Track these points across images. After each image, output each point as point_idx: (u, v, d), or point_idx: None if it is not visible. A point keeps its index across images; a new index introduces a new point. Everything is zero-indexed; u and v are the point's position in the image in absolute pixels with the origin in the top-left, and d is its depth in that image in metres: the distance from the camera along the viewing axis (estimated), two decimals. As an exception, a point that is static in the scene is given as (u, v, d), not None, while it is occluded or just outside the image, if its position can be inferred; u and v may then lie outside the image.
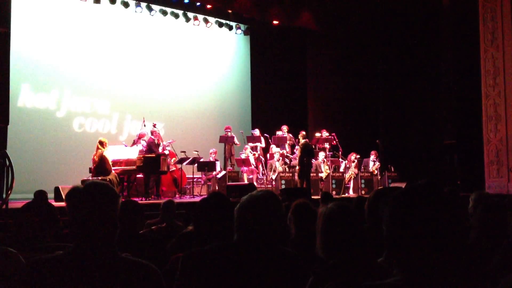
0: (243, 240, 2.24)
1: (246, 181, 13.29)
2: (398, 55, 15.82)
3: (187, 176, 13.23)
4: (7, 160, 8.58)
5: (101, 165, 10.71)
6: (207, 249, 2.25)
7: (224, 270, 2.18)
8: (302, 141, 12.68)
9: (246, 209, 2.27)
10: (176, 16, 15.40)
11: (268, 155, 14.46)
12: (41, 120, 13.16)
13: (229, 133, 14.13)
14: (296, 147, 13.69)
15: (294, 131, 14.29)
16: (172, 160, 12.82)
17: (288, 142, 14.57)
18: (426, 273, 1.51)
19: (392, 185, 13.57)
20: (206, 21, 15.95)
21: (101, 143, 10.86)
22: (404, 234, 1.54)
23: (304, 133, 12.99)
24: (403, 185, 11.63)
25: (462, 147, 13.72)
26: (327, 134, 14.84)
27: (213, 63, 16.69)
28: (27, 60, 12.92)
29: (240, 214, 2.28)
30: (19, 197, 9.75)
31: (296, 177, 12.72)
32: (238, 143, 14.23)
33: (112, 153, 11.12)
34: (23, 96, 12.93)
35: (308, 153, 12.58)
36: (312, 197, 10.42)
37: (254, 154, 14.05)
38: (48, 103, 13.38)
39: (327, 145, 14.84)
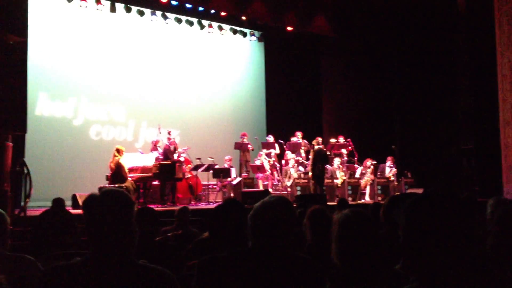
0: (258, 247, 2.24)
1: (261, 188, 13.28)
2: (413, 60, 15.73)
3: (202, 183, 13.26)
4: (25, 168, 8.69)
5: (117, 173, 10.81)
6: (222, 255, 2.26)
7: (240, 276, 2.18)
8: (316, 147, 12.68)
9: (259, 215, 2.27)
10: (191, 24, 15.50)
11: (283, 161, 14.45)
12: (59, 128, 13.29)
13: (244, 140, 14.15)
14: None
15: (309, 137, 14.26)
16: (188, 167, 12.87)
17: (303, 148, 14.55)
18: (444, 279, 1.50)
19: (409, 191, 13.44)
20: (220, 28, 16.03)
21: (117, 150, 10.96)
22: (420, 241, 1.53)
23: (319, 139, 12.97)
24: (420, 191, 11.52)
25: (480, 152, 13.58)
26: (343, 140, 14.79)
27: (228, 70, 16.75)
28: (44, 69, 13.07)
29: (253, 221, 2.28)
30: (37, 205, 9.86)
31: (311, 183, 12.70)
32: (252, 147, 14.23)
33: (128, 161, 11.21)
34: (41, 105, 13.08)
35: (321, 158, 12.56)
36: (328, 203, 10.38)
37: (269, 161, 14.05)
38: (65, 111, 13.52)
39: (344, 151, 14.79)
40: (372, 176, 14.39)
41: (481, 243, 3.30)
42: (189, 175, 12.83)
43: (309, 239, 3.75)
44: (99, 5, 13.58)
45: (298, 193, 12.79)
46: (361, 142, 15.39)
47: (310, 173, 12.74)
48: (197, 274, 2.25)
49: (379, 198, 13.73)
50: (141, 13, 14.46)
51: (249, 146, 14.17)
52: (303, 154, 14.47)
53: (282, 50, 17.24)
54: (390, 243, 2.91)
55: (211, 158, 13.28)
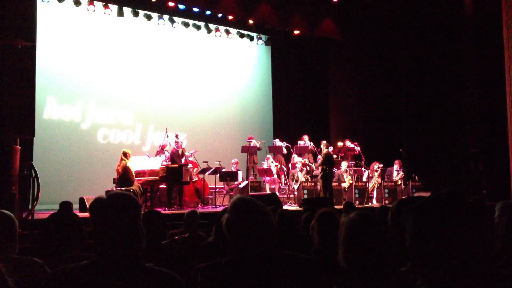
0: (242, 254, 2.21)
1: (268, 191, 13.27)
2: (421, 63, 15.69)
3: (209, 186, 13.27)
4: (33, 171, 8.72)
5: (124, 176, 10.83)
6: (225, 260, 2.25)
7: (242, 281, 2.17)
8: (324, 150, 12.68)
9: (232, 224, 2.23)
10: (198, 27, 15.55)
11: (290, 164, 14.44)
12: (66, 131, 13.36)
13: (251, 143, 14.15)
14: (318, 156, 13.64)
15: (316, 141, 14.25)
16: (195, 171, 12.88)
17: (310, 151, 14.56)
18: (451, 283, 1.49)
19: (416, 194, 13.41)
20: (227, 32, 16.07)
21: (124, 154, 10.98)
22: (427, 244, 1.52)
23: (325, 142, 12.96)
24: (427, 194, 11.47)
25: (487, 155, 13.52)
26: (350, 143, 14.77)
27: (235, 74, 16.77)
28: (52, 73, 13.15)
29: (229, 231, 2.24)
30: (44, 208, 9.89)
31: (319, 187, 12.68)
32: (260, 146, 14.21)
33: (135, 164, 11.23)
34: (49, 108, 13.15)
35: (329, 162, 12.55)
36: (335, 206, 10.36)
37: (276, 166, 14.04)
38: (73, 115, 13.59)
39: (351, 154, 14.76)
40: (379, 180, 14.35)
41: (489, 246, 3.28)
42: (196, 179, 12.84)
43: (316, 243, 3.73)
44: (107, 9, 13.67)
45: (305, 196, 12.77)
46: (368, 145, 15.35)
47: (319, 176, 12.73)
48: (200, 281, 2.24)
49: (386, 202, 13.69)
50: (149, 17, 14.52)
51: (257, 144, 14.15)
52: (310, 158, 14.46)
53: (289, 53, 17.25)
54: (397, 246, 2.90)
55: (218, 161, 13.30)
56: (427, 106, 15.61)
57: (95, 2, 13.49)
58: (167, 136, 12.87)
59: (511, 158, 12.40)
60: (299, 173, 13.67)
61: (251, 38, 16.74)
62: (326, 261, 3.15)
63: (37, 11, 10.36)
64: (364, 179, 14.48)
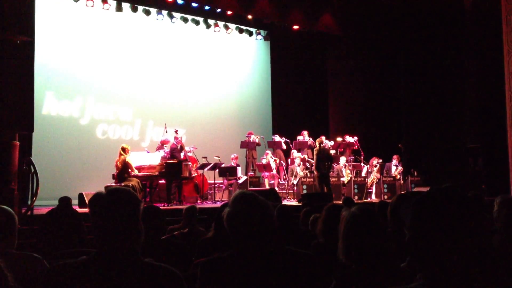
0: (243, 249, 2.21)
1: (267, 187, 13.28)
2: (420, 59, 15.68)
3: (208, 181, 13.27)
4: (32, 167, 8.72)
5: (123, 171, 10.83)
6: (224, 256, 2.25)
7: (242, 276, 2.17)
8: (317, 146, 12.67)
9: (235, 220, 2.23)
10: (197, 23, 15.53)
11: (289, 160, 14.45)
12: (65, 127, 13.34)
13: (251, 138, 14.16)
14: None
15: (315, 136, 14.25)
16: (194, 166, 12.87)
17: (309, 147, 14.56)
18: (450, 277, 1.50)
19: (415, 189, 13.42)
20: (226, 27, 16.05)
21: (123, 149, 10.98)
22: (426, 239, 1.53)
23: (321, 138, 12.96)
24: (426, 189, 11.46)
25: (487, 150, 13.52)
26: (351, 139, 14.77)
27: (234, 69, 16.75)
28: (51, 69, 13.12)
29: (231, 227, 2.24)
30: (44, 204, 9.89)
31: (317, 183, 12.67)
32: (259, 141, 14.21)
33: (134, 159, 11.23)
34: (48, 104, 13.13)
35: (326, 157, 12.54)
36: (334, 202, 10.36)
37: (275, 160, 14.05)
38: (72, 111, 13.57)
39: (350, 150, 14.77)
40: (378, 175, 14.35)
41: (488, 241, 3.29)
42: (195, 174, 12.84)
43: (320, 236, 3.71)
44: (105, 4, 13.64)
45: (304, 191, 12.78)
46: (368, 140, 15.36)
47: (315, 173, 12.71)
48: (200, 275, 2.25)
49: (385, 197, 13.70)
50: (147, 13, 14.50)
51: (257, 139, 14.16)
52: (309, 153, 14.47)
53: (288, 49, 17.22)
54: (396, 241, 2.90)
55: (217, 157, 13.29)
56: (426, 101, 15.60)
57: (93, -3, 13.47)
58: (166, 132, 12.85)
59: (510, 152, 12.40)
60: (298, 168, 13.68)
61: (250, 33, 16.73)
62: (327, 255, 3.16)
63: (36, 6, 10.32)
64: (363, 174, 14.49)
